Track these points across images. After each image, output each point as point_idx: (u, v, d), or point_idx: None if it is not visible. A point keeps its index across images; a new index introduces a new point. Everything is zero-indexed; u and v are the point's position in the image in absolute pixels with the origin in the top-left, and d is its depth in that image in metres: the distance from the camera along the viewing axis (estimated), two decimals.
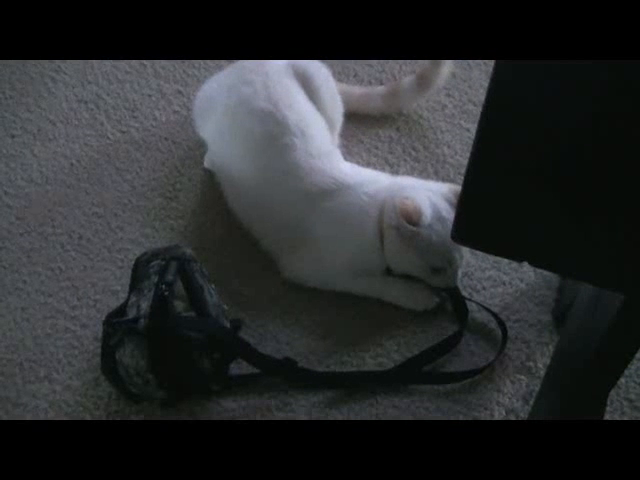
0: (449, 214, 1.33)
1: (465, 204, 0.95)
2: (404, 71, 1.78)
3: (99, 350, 1.32)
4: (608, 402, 1.26)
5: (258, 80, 1.48)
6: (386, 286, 1.42)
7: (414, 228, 1.32)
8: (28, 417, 1.35)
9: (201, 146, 1.64)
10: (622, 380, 1.30)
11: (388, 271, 1.42)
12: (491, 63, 0.87)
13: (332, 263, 1.42)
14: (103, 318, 1.34)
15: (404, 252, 1.36)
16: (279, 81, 1.49)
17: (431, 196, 1.37)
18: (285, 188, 1.43)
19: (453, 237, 0.98)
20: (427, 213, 1.33)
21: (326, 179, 1.42)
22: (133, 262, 1.37)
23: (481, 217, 0.95)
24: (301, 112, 1.47)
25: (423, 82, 1.66)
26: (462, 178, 0.94)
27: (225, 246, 1.53)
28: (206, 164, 1.62)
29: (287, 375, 1.35)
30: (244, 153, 1.48)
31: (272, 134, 1.44)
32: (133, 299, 1.29)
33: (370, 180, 1.44)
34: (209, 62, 1.81)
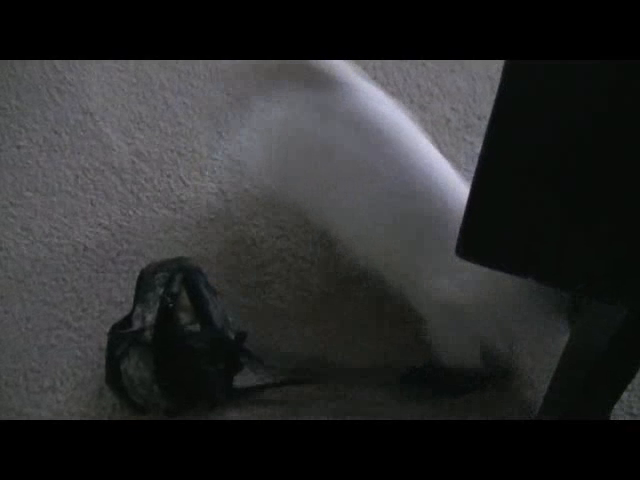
0: None
1: (470, 219, 0.96)
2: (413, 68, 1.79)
3: (103, 361, 1.32)
4: (611, 416, 1.26)
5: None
6: None
7: None
8: None
9: (205, 158, 1.64)
10: (625, 394, 1.30)
11: None
12: (496, 77, 0.87)
13: None
14: (107, 329, 1.34)
15: None
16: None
17: None
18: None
19: (458, 252, 0.98)
20: None
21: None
22: (138, 273, 1.37)
23: (486, 233, 0.95)
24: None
25: None
26: None
27: (229, 258, 1.54)
28: None
29: (291, 387, 1.35)
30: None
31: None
32: (138, 310, 1.30)
33: None
34: (214, 74, 1.81)
